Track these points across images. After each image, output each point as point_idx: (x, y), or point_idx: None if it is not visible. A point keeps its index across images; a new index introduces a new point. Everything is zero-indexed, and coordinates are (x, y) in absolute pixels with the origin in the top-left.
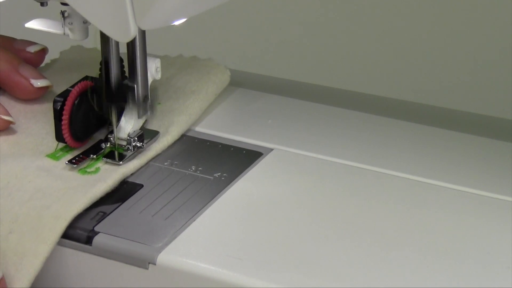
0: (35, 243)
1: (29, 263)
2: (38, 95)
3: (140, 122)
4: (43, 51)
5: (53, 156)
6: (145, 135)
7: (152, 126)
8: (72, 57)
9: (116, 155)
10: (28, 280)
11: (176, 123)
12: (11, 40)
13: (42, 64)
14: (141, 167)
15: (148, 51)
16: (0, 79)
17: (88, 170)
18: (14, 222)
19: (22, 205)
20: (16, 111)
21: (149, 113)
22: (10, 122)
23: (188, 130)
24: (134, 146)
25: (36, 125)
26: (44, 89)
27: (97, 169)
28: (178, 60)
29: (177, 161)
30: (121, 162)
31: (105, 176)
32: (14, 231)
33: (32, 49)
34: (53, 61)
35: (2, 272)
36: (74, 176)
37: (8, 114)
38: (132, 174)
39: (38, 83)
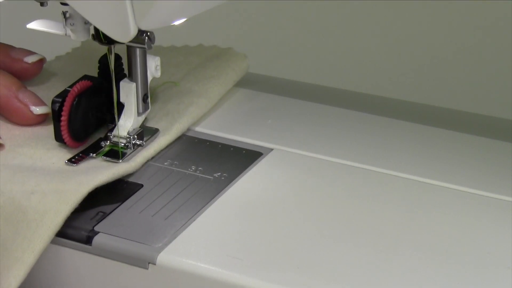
0: (56, 204)
1: (49, 219)
2: (37, 122)
3: (140, 120)
4: (41, 61)
5: None
6: (145, 132)
7: (170, 104)
8: (93, 47)
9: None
10: (49, 236)
11: (196, 104)
12: (9, 48)
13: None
14: (161, 151)
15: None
16: None
17: None
18: (37, 186)
19: (46, 176)
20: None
21: (148, 110)
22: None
23: (188, 130)
24: (134, 144)
25: None
26: (44, 116)
27: None
28: (198, 49)
29: (177, 161)
30: (120, 161)
31: (127, 158)
32: (37, 192)
33: (29, 59)
34: (75, 50)
35: None
36: (96, 159)
37: None
38: (134, 173)
39: (38, 109)
